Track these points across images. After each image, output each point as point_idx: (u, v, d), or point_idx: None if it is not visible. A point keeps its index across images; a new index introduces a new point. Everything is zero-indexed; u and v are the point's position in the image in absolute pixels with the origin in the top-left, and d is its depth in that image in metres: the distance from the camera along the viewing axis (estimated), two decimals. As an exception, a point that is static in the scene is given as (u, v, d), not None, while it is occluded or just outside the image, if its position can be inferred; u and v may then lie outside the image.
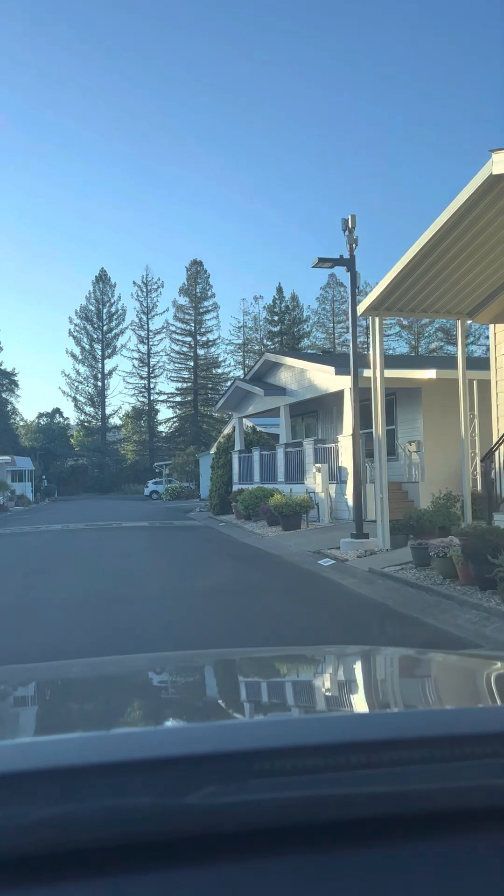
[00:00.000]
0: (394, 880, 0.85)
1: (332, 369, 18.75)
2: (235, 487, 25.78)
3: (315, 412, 24.71)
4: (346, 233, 13.84)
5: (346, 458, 18.27)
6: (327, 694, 1.55)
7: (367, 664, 1.86)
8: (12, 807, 0.84)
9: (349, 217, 13.84)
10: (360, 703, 1.46)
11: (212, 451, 37.41)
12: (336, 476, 18.85)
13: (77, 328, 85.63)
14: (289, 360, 21.75)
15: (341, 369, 18.41)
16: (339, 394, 19.04)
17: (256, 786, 0.88)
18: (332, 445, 19.23)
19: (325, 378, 19.53)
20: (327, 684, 1.66)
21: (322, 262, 13.81)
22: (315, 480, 19.40)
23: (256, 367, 23.58)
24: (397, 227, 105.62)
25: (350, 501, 18.20)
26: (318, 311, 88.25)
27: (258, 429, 28.68)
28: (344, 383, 18.32)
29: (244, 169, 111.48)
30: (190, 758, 0.90)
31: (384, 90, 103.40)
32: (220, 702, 1.54)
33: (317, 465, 19.08)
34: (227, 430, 35.91)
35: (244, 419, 27.29)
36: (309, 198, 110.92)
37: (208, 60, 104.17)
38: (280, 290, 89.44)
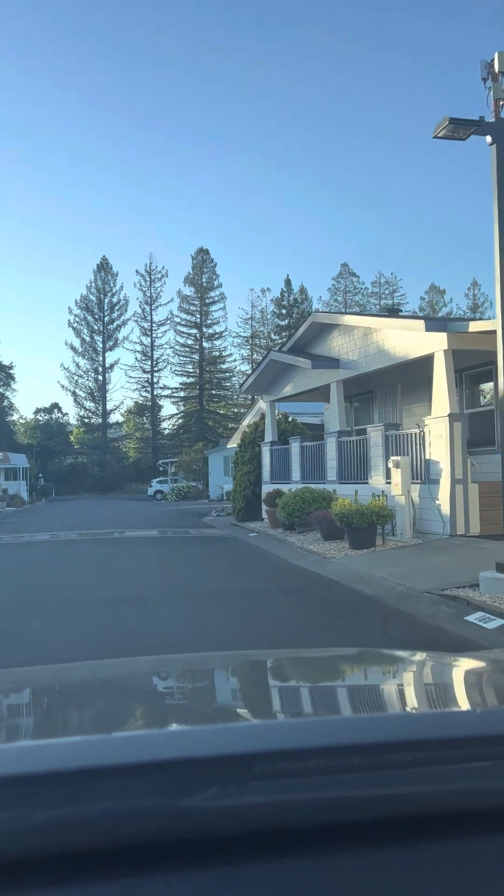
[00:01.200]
0: (395, 883, 0.85)
1: (420, 324, 13.38)
2: (269, 488, 20.43)
3: (369, 394, 19.33)
4: (488, 81, 8.50)
5: (438, 449, 12.91)
6: (328, 697, 1.52)
7: (367, 667, 1.85)
8: (14, 810, 0.83)
9: (495, 56, 8.50)
10: (360, 706, 1.45)
11: (230, 445, 32.21)
12: (421, 474, 13.49)
13: (77, 319, 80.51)
14: (349, 319, 16.28)
15: (434, 323, 13.04)
16: (424, 361, 13.67)
17: (257, 788, 0.87)
18: (415, 432, 13.86)
19: (407, 340, 14.13)
20: (327, 687, 1.63)
21: (455, 126, 8.43)
22: (389, 479, 14.03)
23: (300, 333, 18.15)
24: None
25: (444, 508, 12.87)
26: (329, 303, 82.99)
27: (290, 417, 23.28)
28: (436, 344, 12.95)
29: (251, 155, 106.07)
30: (190, 761, 0.89)
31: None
32: (220, 705, 1.51)
33: (394, 458, 13.70)
34: (247, 420, 30.61)
35: (276, 403, 21.86)
36: (317, 188, 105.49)
37: (216, 36, 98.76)
38: (288, 282, 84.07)
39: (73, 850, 0.84)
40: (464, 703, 1.42)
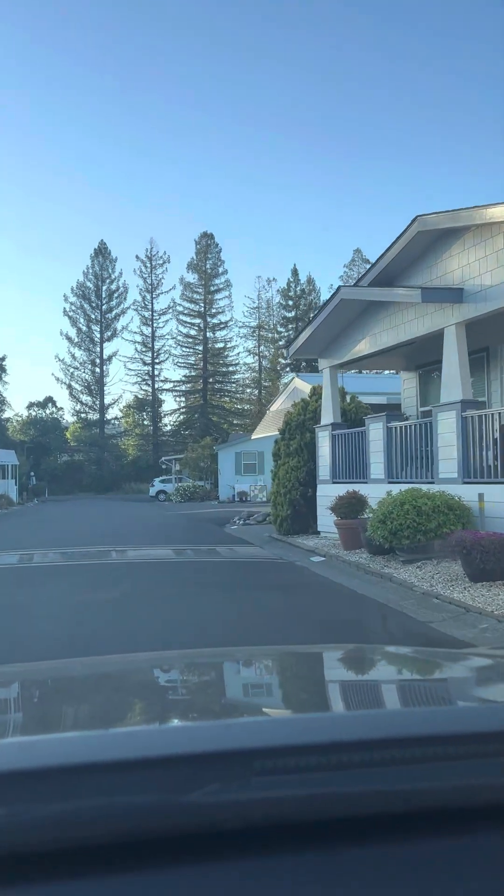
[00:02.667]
0: (395, 878, 0.84)
1: None
2: (331, 489, 14.12)
3: (483, 353, 12.98)
4: None
5: None
6: (328, 692, 1.52)
7: (368, 663, 1.82)
8: (14, 804, 0.82)
9: None
10: (360, 702, 1.44)
11: (256, 435, 25.82)
12: None
13: (73, 307, 74.04)
14: (496, 213, 9.82)
15: None
16: None
17: (258, 784, 0.86)
18: None
19: None
20: (328, 683, 1.63)
21: None
22: None
23: (396, 251, 11.68)
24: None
25: None
26: (341, 291, 76.68)
27: (348, 396, 16.90)
28: None
29: (256, 138, 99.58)
30: (191, 756, 0.88)
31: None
32: (221, 700, 1.48)
33: None
34: (276, 405, 24.26)
35: (337, 372, 15.48)
36: (325, 172, 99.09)
37: (226, 14, 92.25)
38: (295, 272, 77.69)
39: (74, 845, 0.83)
40: (463, 700, 1.39)
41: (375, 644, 3.55)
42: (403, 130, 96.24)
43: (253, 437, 26.80)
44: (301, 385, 21.91)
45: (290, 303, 76.97)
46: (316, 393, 16.73)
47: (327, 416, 15.15)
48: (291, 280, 77.42)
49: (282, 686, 1.62)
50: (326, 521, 14.46)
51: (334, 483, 14.56)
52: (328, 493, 14.52)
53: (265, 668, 1.81)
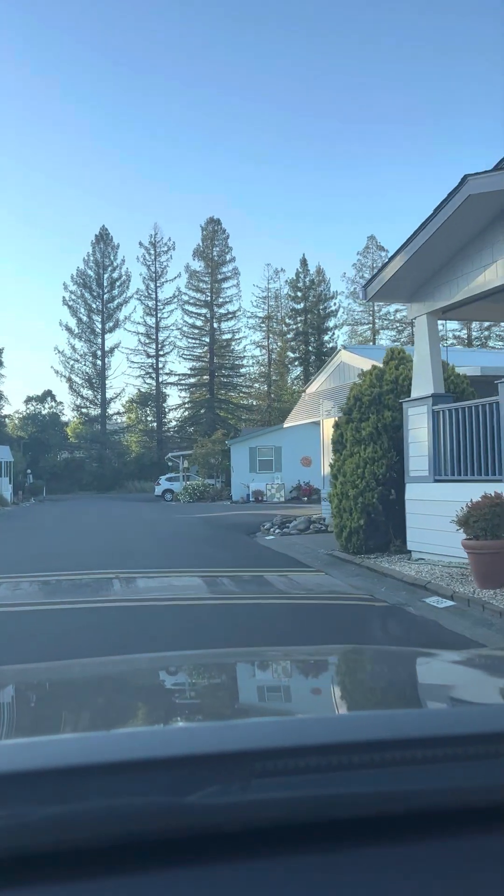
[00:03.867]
0: (396, 879, 0.83)
1: None
2: (429, 491, 9.45)
3: None
4: None
5: None
6: (328, 694, 1.51)
7: (368, 664, 1.79)
8: (13, 806, 0.81)
9: None
10: (361, 703, 1.42)
11: (287, 423, 20.96)
12: None
13: (73, 296, 69.19)
14: None
15: None
16: None
17: (258, 785, 0.85)
18: None
19: None
20: (328, 684, 1.61)
21: None
22: None
23: None
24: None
25: None
26: (355, 280, 71.84)
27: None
28: None
29: (264, 121, 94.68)
30: (191, 758, 0.87)
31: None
32: (221, 702, 1.45)
33: None
34: (315, 386, 19.52)
35: (438, 317, 10.72)
36: (336, 156, 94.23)
37: None
38: (304, 262, 72.91)
39: (74, 847, 0.82)
40: (463, 701, 1.39)
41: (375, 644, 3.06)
42: (410, 125, 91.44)
43: (286, 426, 22.06)
44: (350, 359, 17.23)
45: (299, 294, 72.30)
46: (395, 357, 12.03)
47: (423, 385, 10.42)
48: (300, 271, 72.71)
49: (282, 687, 1.58)
50: (426, 536, 9.78)
51: (437, 481, 9.88)
52: (426, 495, 9.84)
53: (265, 669, 1.77)
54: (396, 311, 65.32)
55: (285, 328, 72.50)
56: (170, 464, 53.58)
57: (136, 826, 0.82)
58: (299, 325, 71.97)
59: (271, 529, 17.31)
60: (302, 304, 71.97)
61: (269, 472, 39.03)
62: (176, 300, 70.02)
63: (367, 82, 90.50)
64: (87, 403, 70.13)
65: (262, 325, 72.19)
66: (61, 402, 71.27)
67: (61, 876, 0.80)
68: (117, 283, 69.59)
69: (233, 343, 71.03)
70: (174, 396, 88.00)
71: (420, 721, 1.04)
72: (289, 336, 72.26)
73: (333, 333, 72.58)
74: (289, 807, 0.86)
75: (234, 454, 39.54)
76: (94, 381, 69.67)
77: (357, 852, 0.85)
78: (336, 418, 12.86)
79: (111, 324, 69.39)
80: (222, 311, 69.99)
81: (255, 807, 0.85)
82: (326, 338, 72.23)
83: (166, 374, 71.65)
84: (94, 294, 69.27)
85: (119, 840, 0.82)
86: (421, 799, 0.89)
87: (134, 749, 0.90)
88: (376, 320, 69.81)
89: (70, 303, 68.87)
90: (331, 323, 72.41)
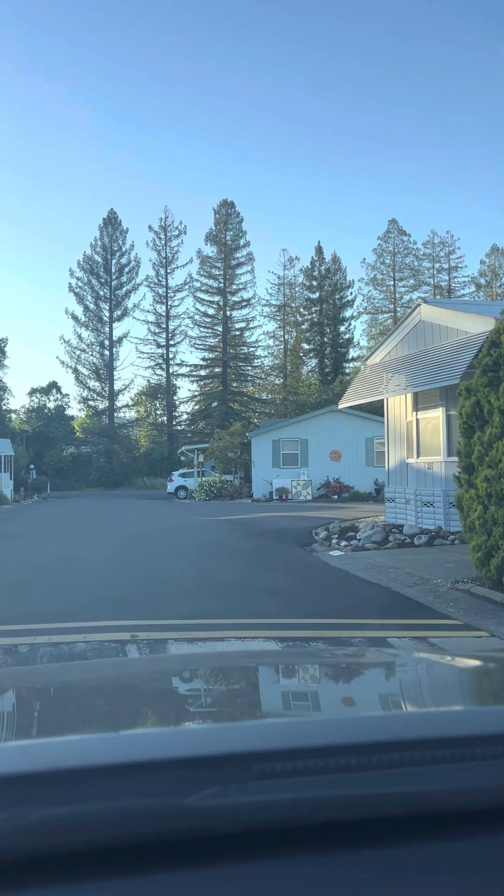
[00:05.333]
0: (394, 881, 0.82)
1: None
2: None
3: None
4: None
5: None
6: (327, 696, 1.47)
7: (367, 665, 1.76)
8: (13, 808, 0.81)
9: None
10: (359, 705, 1.38)
11: (343, 404, 16.77)
12: None
13: (80, 283, 64.93)
14: None
15: None
16: None
17: (256, 787, 0.85)
18: None
19: None
20: (327, 686, 1.56)
21: None
22: None
23: None
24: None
25: None
26: (375, 266, 67.57)
27: None
28: None
29: (278, 107, 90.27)
30: (190, 760, 0.87)
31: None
32: (219, 704, 1.41)
33: None
34: (380, 355, 15.34)
35: None
36: (354, 137, 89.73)
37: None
38: (320, 249, 68.53)
39: (72, 849, 0.81)
40: (462, 702, 1.38)
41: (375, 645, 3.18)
42: (420, 114, 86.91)
43: (341, 407, 17.80)
44: (434, 315, 13.01)
45: (315, 283, 68.02)
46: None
47: None
48: (315, 259, 68.40)
49: (280, 689, 1.54)
50: None
51: None
52: None
53: (263, 670, 1.74)
54: (419, 297, 61.31)
55: (300, 318, 68.28)
56: (182, 458, 49.38)
57: (134, 828, 0.82)
58: (314, 315, 67.77)
59: (332, 540, 13.12)
60: (317, 294, 67.83)
61: (295, 466, 34.81)
62: (187, 287, 65.91)
63: (385, 63, 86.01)
64: (94, 395, 66.03)
65: (278, 314, 67.95)
66: (67, 395, 67.02)
67: (61, 877, 0.80)
68: (126, 270, 65.38)
69: (246, 333, 66.88)
70: (184, 389, 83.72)
71: (417, 723, 1.02)
72: (304, 327, 68.01)
73: (350, 324, 68.36)
74: (287, 809, 0.85)
75: (255, 447, 35.33)
76: (101, 371, 65.53)
77: (356, 854, 0.84)
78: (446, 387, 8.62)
79: (119, 312, 65.21)
80: (236, 298, 65.86)
81: (254, 809, 0.84)
82: (342, 328, 67.98)
83: (177, 364, 67.46)
84: (102, 281, 65.08)
85: (118, 842, 0.82)
86: (419, 801, 0.88)
87: (133, 751, 0.89)
88: (398, 308, 65.42)
89: (76, 290, 64.74)
90: (347, 313, 68.18)
